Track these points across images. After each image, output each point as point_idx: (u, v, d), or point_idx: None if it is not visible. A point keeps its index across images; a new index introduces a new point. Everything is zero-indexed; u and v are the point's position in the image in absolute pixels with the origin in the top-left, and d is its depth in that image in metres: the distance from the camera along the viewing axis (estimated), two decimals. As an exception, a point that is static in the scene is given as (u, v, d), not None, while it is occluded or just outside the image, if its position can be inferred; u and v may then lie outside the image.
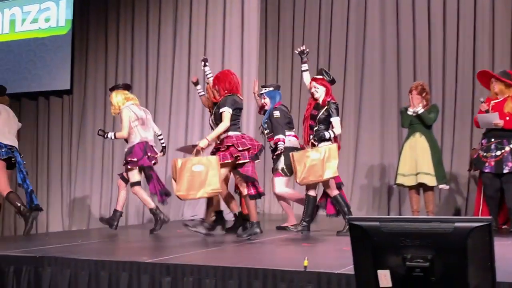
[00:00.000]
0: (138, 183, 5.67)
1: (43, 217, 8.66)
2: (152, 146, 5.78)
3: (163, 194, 5.76)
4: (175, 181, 4.65)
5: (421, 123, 5.82)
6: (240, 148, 4.72)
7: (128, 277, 3.37)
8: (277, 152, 5.51)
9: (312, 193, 5.25)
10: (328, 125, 5.14)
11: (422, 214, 5.92)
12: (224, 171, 4.80)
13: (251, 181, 4.80)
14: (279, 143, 5.50)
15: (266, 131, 5.79)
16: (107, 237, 5.30)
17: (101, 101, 8.64)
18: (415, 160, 5.78)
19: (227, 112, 4.75)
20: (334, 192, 5.17)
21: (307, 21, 8.43)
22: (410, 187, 5.93)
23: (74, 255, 3.71)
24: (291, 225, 5.46)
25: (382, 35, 7.91)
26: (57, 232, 7.84)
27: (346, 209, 5.16)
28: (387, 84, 7.85)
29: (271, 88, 5.97)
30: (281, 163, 5.60)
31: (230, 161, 4.72)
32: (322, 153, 4.95)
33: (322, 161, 4.91)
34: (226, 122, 4.75)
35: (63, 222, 8.54)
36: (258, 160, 5.14)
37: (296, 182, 5.23)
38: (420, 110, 5.78)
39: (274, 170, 5.69)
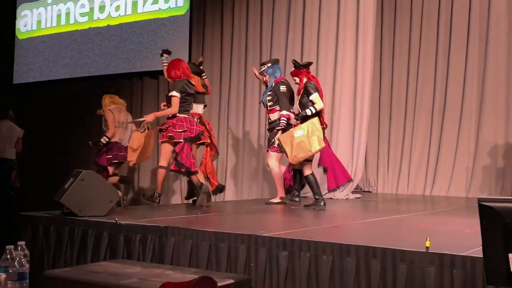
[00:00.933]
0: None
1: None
2: (123, 147, 6.72)
3: None
4: (134, 151, 5.78)
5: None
6: (178, 130, 5.36)
7: (246, 249, 3.46)
8: (278, 128, 5.76)
9: (308, 172, 5.42)
10: (313, 104, 5.35)
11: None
12: (166, 148, 5.48)
13: (176, 158, 5.38)
14: (282, 119, 5.74)
15: (269, 104, 5.97)
16: (223, 211, 5.47)
17: (217, 80, 8.87)
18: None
19: (175, 97, 5.39)
20: (307, 171, 5.39)
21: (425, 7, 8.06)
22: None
23: (196, 226, 3.87)
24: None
25: (508, 5, 7.39)
26: (176, 204, 8.20)
27: (317, 189, 5.38)
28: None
29: (269, 64, 6.12)
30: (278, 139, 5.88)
31: (166, 140, 5.42)
32: (305, 129, 5.19)
33: (307, 137, 5.16)
34: (174, 107, 5.41)
35: (181, 197, 8.92)
36: (198, 142, 5.77)
37: (290, 162, 5.55)
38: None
39: (271, 144, 5.91)
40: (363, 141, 7.29)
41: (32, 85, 10.69)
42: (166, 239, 3.80)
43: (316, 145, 5.16)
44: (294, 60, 5.79)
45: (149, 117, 5.65)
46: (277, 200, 5.94)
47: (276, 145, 5.81)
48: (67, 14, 10.27)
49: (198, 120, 6.07)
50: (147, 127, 5.71)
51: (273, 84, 5.95)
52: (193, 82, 5.74)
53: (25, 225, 4.56)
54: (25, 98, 10.62)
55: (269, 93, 5.98)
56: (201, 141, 5.84)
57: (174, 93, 5.41)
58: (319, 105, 5.33)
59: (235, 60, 8.76)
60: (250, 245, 3.45)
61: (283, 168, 6.30)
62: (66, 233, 4.30)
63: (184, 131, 5.41)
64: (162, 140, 5.52)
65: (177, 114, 5.46)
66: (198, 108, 6.25)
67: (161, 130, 5.56)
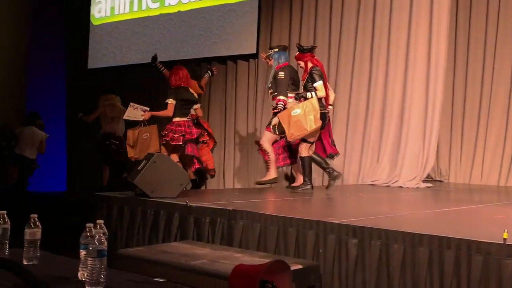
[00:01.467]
0: None
1: (223, 176, 9.18)
2: (116, 137, 8.36)
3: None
4: (131, 147, 6.39)
5: None
6: (176, 134, 5.98)
7: (314, 235, 3.45)
8: (274, 111, 6.03)
9: (305, 153, 5.59)
10: (315, 91, 5.52)
11: None
12: (166, 147, 6.11)
13: (191, 159, 6.28)
14: (279, 103, 5.89)
15: (270, 91, 6.15)
16: (292, 196, 5.47)
17: (284, 65, 8.82)
18: None
19: (170, 103, 6.07)
20: (304, 153, 5.58)
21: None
22: None
23: (264, 210, 3.88)
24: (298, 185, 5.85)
25: None
26: (243, 188, 8.27)
27: (308, 173, 5.61)
28: None
29: (276, 49, 6.23)
30: (275, 120, 5.97)
31: (164, 142, 6.08)
32: (302, 108, 5.38)
33: (304, 116, 5.33)
34: (168, 112, 6.10)
35: (248, 181, 8.98)
36: (198, 144, 6.48)
37: (288, 140, 5.78)
38: None
39: (268, 124, 6.20)
40: (435, 129, 7.06)
41: (106, 70, 11.03)
42: (235, 222, 3.84)
43: (312, 124, 5.33)
44: (298, 44, 6.04)
45: (146, 116, 6.36)
46: (268, 179, 6.08)
47: (271, 126, 6.00)
48: (139, 0, 10.50)
49: (196, 121, 6.58)
50: (144, 124, 6.41)
51: (275, 71, 6.06)
52: (191, 90, 6.36)
53: (101, 205, 4.74)
54: (99, 83, 10.98)
55: (271, 79, 6.12)
56: (200, 141, 6.58)
57: (169, 100, 6.10)
58: (320, 93, 5.52)
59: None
60: (318, 231, 3.44)
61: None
62: (139, 213, 4.43)
63: (182, 135, 6.02)
64: (162, 143, 6.19)
65: (176, 119, 6.08)
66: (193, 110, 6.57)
67: (161, 135, 6.19)
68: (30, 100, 11.16)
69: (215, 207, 4.07)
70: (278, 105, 5.92)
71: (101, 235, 2.06)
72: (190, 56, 9.73)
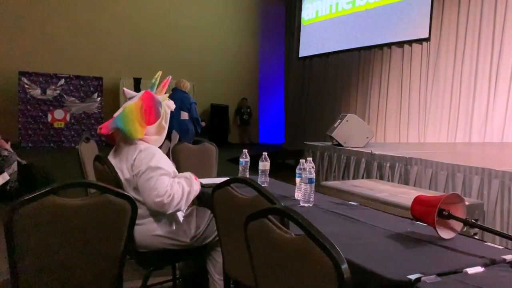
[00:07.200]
0: None
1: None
2: None
3: None
4: None
5: None
6: None
7: (480, 179, 3.02)
8: None
9: None
10: None
11: None
12: None
13: None
14: None
15: None
16: (457, 150, 4.89)
17: (452, 50, 7.76)
18: None
19: None
20: None
21: None
22: None
23: (435, 159, 3.52)
24: None
25: None
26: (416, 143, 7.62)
27: None
28: None
29: None
30: None
31: None
32: None
33: None
34: None
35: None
36: None
37: None
38: None
39: None
40: None
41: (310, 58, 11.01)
42: (411, 167, 3.55)
43: None
44: None
45: None
46: None
47: None
48: (337, 4, 10.19)
49: None
50: None
51: None
52: None
53: (308, 151, 4.78)
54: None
55: None
56: None
57: None
58: None
59: (470, 34, 7.44)
60: (483, 176, 3.00)
61: None
62: (335, 158, 4.36)
63: None
64: None
65: None
66: None
67: None
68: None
69: (394, 154, 3.80)
70: None
71: (311, 168, 2.03)
72: (374, 43, 9.19)
